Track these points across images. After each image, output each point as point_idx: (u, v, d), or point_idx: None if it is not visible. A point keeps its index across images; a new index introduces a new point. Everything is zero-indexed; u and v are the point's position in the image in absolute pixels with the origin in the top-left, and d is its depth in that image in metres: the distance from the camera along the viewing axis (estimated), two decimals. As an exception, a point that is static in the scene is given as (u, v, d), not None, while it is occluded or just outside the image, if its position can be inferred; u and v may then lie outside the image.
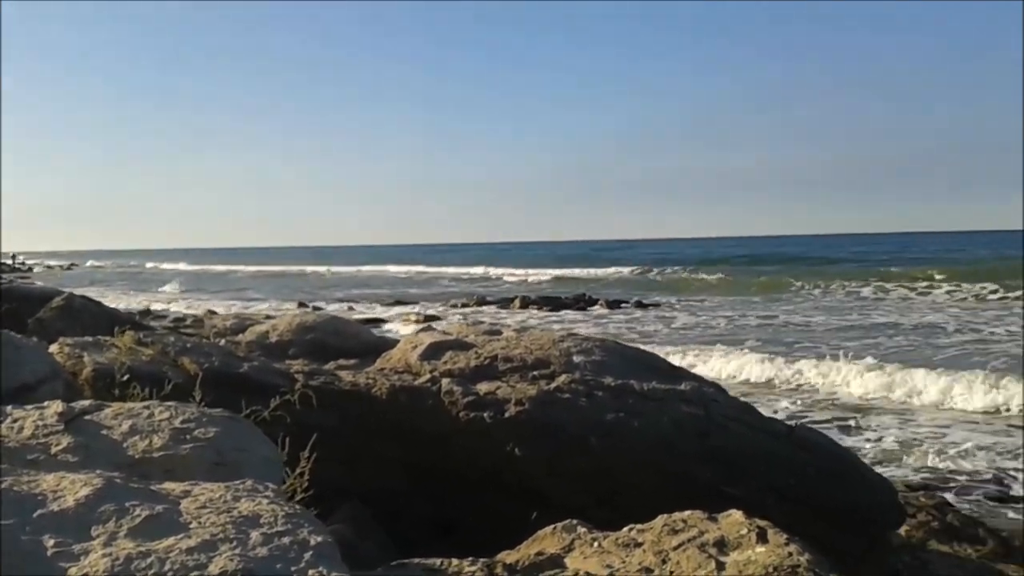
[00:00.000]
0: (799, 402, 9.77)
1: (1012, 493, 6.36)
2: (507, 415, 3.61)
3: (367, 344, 5.08)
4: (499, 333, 4.28)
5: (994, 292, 23.50)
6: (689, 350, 13.38)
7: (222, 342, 5.29)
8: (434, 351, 4.09)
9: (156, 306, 22.27)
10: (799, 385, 10.46)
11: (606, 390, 3.62)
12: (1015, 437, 7.99)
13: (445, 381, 3.81)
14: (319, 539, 1.22)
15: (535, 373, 3.81)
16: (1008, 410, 8.92)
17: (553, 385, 3.68)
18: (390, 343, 4.72)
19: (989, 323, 17.20)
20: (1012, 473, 6.81)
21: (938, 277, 28.19)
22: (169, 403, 2.11)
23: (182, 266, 58.59)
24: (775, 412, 8.99)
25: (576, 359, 3.86)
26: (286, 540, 1.23)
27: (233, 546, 1.25)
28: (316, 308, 21.26)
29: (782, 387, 10.54)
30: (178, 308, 21.65)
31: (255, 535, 1.26)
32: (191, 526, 1.37)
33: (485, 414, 3.63)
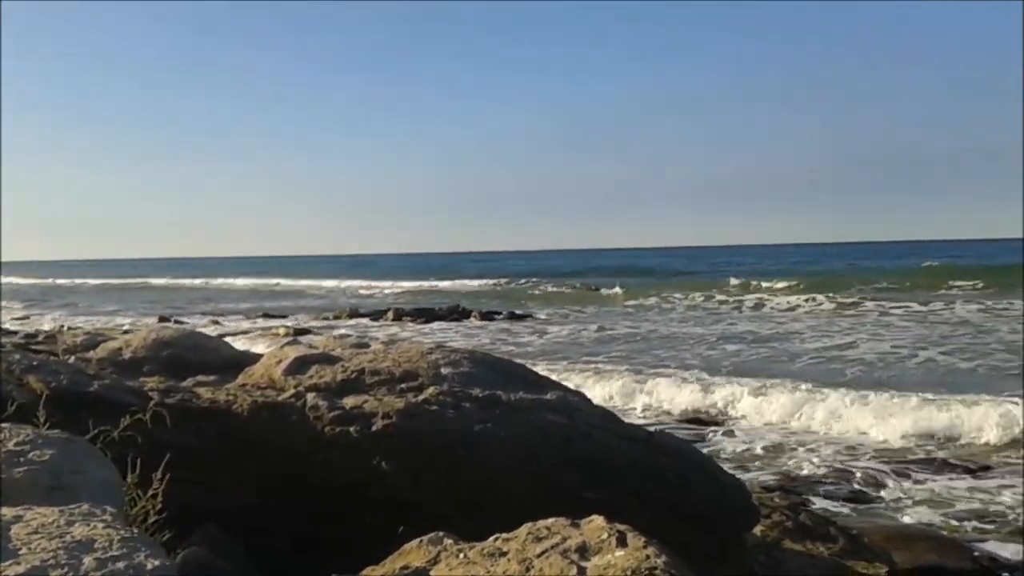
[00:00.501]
0: (661, 410, 10.10)
1: (862, 493, 6.75)
2: (374, 429, 3.57)
3: (228, 359, 4.92)
4: (367, 346, 4.23)
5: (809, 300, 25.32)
6: (557, 362, 13.70)
7: (71, 359, 5.02)
8: (299, 365, 4.01)
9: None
10: (660, 399, 10.72)
11: (474, 401, 3.63)
12: (860, 437, 8.48)
13: (310, 396, 3.74)
14: (156, 563, 1.17)
15: (403, 386, 3.78)
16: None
17: (421, 397, 3.67)
18: (253, 358, 4.59)
19: (785, 333, 18.23)
20: (858, 474, 7.23)
21: (765, 285, 30.61)
22: (3, 425, 1.98)
23: (21, 280, 55.65)
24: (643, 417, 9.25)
25: (444, 371, 3.86)
26: (121, 565, 1.17)
27: (64, 572, 1.18)
28: (179, 322, 20.49)
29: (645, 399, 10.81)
30: (28, 325, 20.43)
31: (88, 560, 1.20)
32: (21, 552, 1.29)
33: (351, 428, 3.58)
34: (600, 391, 10.65)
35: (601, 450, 3.58)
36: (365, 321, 23.12)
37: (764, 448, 8.13)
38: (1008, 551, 5.33)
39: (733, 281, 33.21)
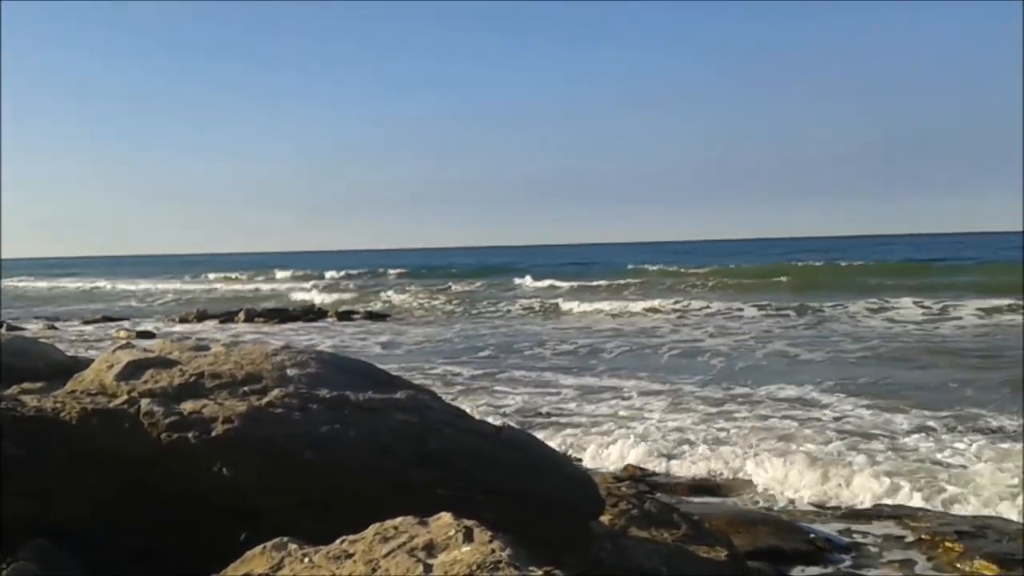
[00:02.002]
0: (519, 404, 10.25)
1: (706, 480, 7.06)
2: (214, 434, 3.45)
3: (57, 365, 4.63)
4: (207, 348, 4.07)
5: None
6: (414, 362, 13.71)
7: None
8: (133, 370, 3.82)
9: None
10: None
11: (321, 402, 3.56)
12: (702, 425, 8.84)
13: (144, 402, 3.57)
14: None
15: (246, 388, 3.67)
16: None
17: (265, 400, 3.57)
18: (84, 363, 4.34)
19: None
20: (700, 460, 7.55)
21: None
22: None
23: None
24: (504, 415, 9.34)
25: (290, 372, 3.77)
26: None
27: None
28: (13, 328, 19.17)
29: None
30: None
31: None
32: None
33: (190, 434, 3.45)
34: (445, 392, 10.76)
35: (452, 447, 3.58)
36: (213, 324, 22.32)
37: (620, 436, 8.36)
38: (838, 531, 5.70)
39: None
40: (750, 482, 6.87)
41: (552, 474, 3.63)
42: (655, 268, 41.53)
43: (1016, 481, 6.45)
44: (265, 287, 40.78)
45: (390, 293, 30.90)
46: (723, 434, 8.31)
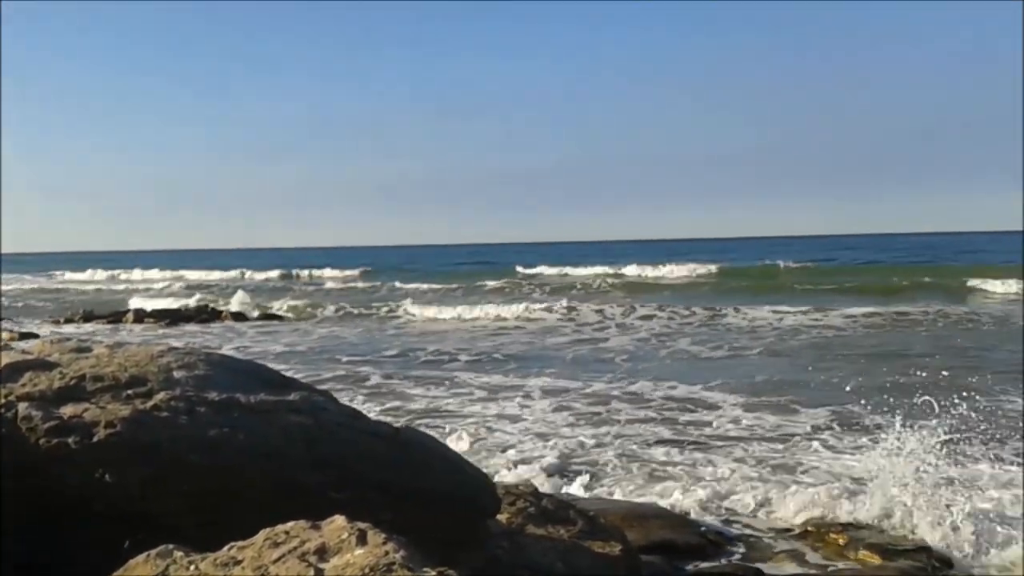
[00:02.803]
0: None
1: (601, 473, 7.17)
2: (96, 439, 3.31)
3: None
4: (89, 350, 3.90)
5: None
6: (310, 364, 13.50)
7: None
8: (10, 373, 3.63)
9: None
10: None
11: (209, 405, 3.46)
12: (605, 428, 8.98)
13: (22, 406, 3.40)
14: None
15: (130, 392, 3.53)
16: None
17: (150, 403, 3.44)
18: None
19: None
20: (599, 459, 7.67)
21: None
22: None
23: None
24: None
25: (177, 374, 3.65)
26: None
27: None
28: None
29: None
30: None
31: None
32: None
33: (70, 439, 3.30)
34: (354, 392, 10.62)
35: (347, 449, 3.53)
36: (101, 325, 21.46)
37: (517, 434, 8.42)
38: (726, 524, 5.86)
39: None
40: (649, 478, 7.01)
41: (450, 474, 3.62)
42: (534, 271, 42.20)
43: (898, 474, 6.77)
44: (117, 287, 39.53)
45: (287, 298, 30.03)
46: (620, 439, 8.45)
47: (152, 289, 36.88)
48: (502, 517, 4.32)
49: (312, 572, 2.49)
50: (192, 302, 25.86)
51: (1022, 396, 10.16)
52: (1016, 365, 12.49)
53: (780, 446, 7.97)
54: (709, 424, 8.98)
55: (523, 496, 4.74)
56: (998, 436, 8.17)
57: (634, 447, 8.00)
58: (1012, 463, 7.25)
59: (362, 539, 2.60)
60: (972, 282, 27.17)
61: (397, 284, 35.02)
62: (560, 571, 3.89)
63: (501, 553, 3.86)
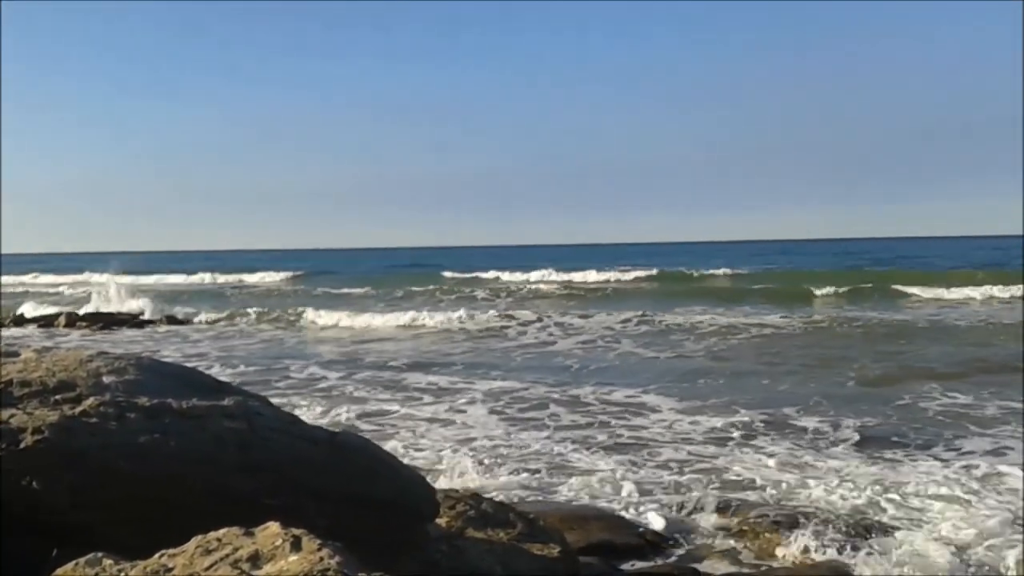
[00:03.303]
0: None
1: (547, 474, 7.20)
2: (23, 446, 3.22)
3: None
4: (17, 355, 3.80)
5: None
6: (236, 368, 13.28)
7: None
8: (-70, 379, 3.51)
9: None
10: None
11: (139, 411, 3.39)
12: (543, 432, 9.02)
13: (-58, 413, 3.29)
14: None
15: (58, 397, 3.45)
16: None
17: (78, 409, 3.36)
18: None
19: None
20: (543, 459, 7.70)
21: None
22: None
23: None
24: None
25: (107, 380, 3.57)
26: None
27: None
28: None
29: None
30: None
31: None
32: None
33: (-6, 447, 3.20)
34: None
35: (282, 455, 3.49)
36: (32, 329, 20.85)
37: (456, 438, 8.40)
38: (663, 524, 5.92)
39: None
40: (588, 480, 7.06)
41: (388, 478, 3.60)
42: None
43: (822, 474, 6.95)
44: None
45: (199, 303, 28.77)
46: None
47: (56, 294, 35.64)
48: (442, 521, 4.31)
49: (245, 579, 2.45)
50: (89, 308, 24.72)
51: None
52: (948, 365, 12.94)
53: (713, 448, 8.10)
54: (646, 428, 9.07)
55: (462, 500, 4.74)
56: (924, 436, 8.45)
57: (572, 450, 8.05)
58: (935, 458, 7.48)
59: (296, 545, 2.57)
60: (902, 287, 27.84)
61: (323, 290, 34.48)
62: (499, 574, 3.90)
63: (440, 557, 3.85)
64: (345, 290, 34.12)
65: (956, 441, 8.25)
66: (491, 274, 43.02)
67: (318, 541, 2.56)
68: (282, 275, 48.36)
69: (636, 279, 37.95)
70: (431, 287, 34.43)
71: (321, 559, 2.45)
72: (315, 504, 3.43)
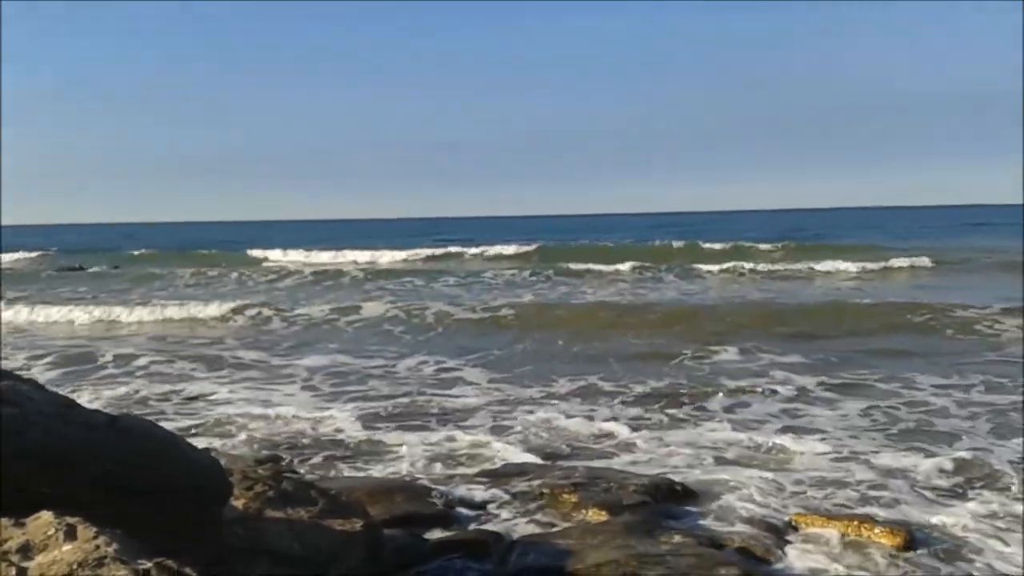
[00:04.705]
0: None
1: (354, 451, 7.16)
2: None
3: None
4: None
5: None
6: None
7: None
8: None
9: None
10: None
11: None
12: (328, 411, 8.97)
13: None
14: None
15: None
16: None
17: None
18: None
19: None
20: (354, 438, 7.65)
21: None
22: None
23: None
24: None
25: None
26: None
27: None
28: None
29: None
30: None
31: None
32: None
33: None
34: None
35: (58, 441, 3.28)
36: None
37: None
38: (470, 493, 6.06)
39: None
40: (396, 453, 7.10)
41: (175, 462, 3.47)
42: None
43: (623, 439, 7.34)
44: None
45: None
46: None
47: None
48: (239, 503, 4.20)
49: (14, 572, 2.31)
50: None
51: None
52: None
53: (513, 411, 8.34)
54: (456, 397, 9.22)
55: (261, 480, 4.64)
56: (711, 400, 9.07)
57: (381, 422, 8.06)
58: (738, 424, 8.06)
59: (71, 534, 2.45)
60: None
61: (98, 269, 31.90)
62: (297, 552, 3.86)
63: (235, 540, 3.76)
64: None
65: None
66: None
67: (94, 529, 2.45)
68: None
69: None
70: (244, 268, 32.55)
71: (97, 547, 2.35)
72: (97, 492, 3.26)
